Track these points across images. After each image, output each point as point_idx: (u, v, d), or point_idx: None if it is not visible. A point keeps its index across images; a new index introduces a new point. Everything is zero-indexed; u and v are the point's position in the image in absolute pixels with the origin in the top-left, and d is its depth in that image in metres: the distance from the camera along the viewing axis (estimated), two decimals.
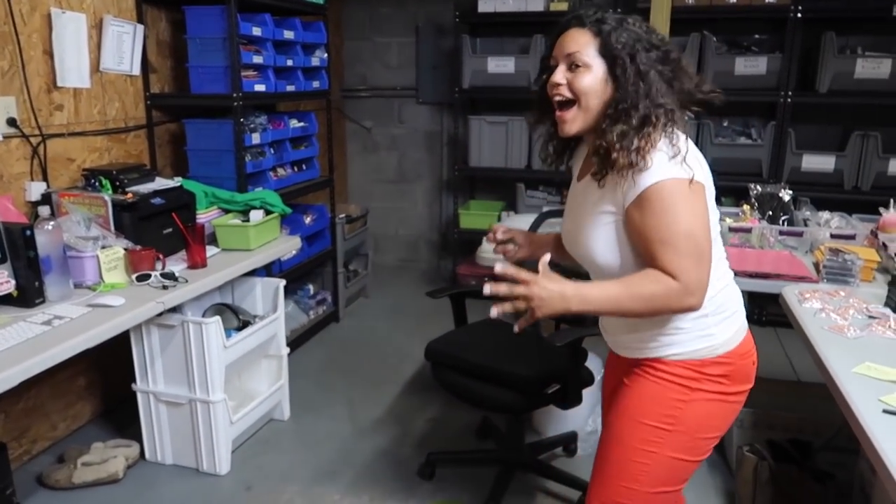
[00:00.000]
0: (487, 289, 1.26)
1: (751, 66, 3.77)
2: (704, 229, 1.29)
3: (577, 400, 2.17)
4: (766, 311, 3.96)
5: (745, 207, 2.85)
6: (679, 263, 1.26)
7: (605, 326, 1.58)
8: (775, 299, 2.21)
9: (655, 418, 1.40)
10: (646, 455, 1.41)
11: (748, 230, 2.67)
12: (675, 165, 1.28)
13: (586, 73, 1.33)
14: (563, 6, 3.99)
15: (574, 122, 1.37)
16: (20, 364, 1.64)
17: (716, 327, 1.40)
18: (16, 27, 2.37)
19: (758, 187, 2.91)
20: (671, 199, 1.27)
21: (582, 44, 1.33)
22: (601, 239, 1.39)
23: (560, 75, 1.35)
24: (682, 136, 1.33)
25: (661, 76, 1.32)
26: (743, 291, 3.59)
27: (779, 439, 2.18)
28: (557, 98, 1.37)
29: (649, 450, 1.41)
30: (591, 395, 2.56)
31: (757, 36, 3.96)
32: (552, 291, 1.26)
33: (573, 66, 1.34)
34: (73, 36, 2.60)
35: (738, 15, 3.84)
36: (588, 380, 2.25)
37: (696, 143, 4.24)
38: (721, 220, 2.76)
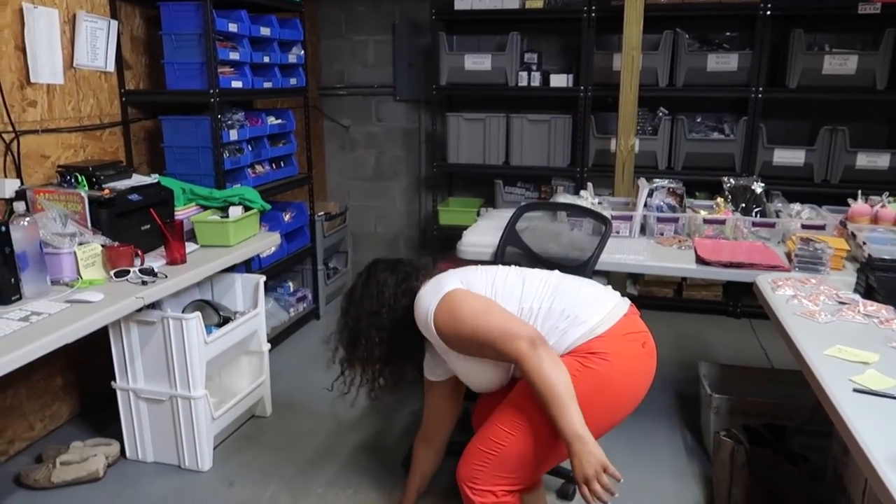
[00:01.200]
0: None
1: (722, 62, 3.84)
2: (484, 312, 1.59)
3: None
4: (740, 303, 4.03)
5: (719, 200, 2.91)
6: (500, 348, 1.55)
7: None
8: (749, 292, 2.26)
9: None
10: (528, 415, 1.64)
11: (722, 222, 2.73)
12: (430, 300, 1.65)
13: None
14: (539, 4, 4.03)
15: None
16: (1, 358, 1.62)
17: (584, 313, 1.64)
18: None
19: (731, 180, 2.97)
20: (449, 321, 1.61)
21: None
22: (474, 372, 1.73)
23: None
24: (426, 282, 1.74)
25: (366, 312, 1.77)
26: (717, 282, 3.72)
27: (754, 424, 2.23)
28: None
29: (529, 415, 1.63)
30: None
31: (728, 33, 4.03)
32: (579, 461, 1.43)
33: None
34: (45, 31, 2.57)
35: (709, 12, 3.91)
36: None
37: (671, 139, 4.27)
38: (695, 211, 2.83)
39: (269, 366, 2.85)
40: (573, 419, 1.45)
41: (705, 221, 2.73)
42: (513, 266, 1.81)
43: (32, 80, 2.54)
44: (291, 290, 3.85)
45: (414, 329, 1.72)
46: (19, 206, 2.24)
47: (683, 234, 2.78)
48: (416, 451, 2.06)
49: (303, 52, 3.69)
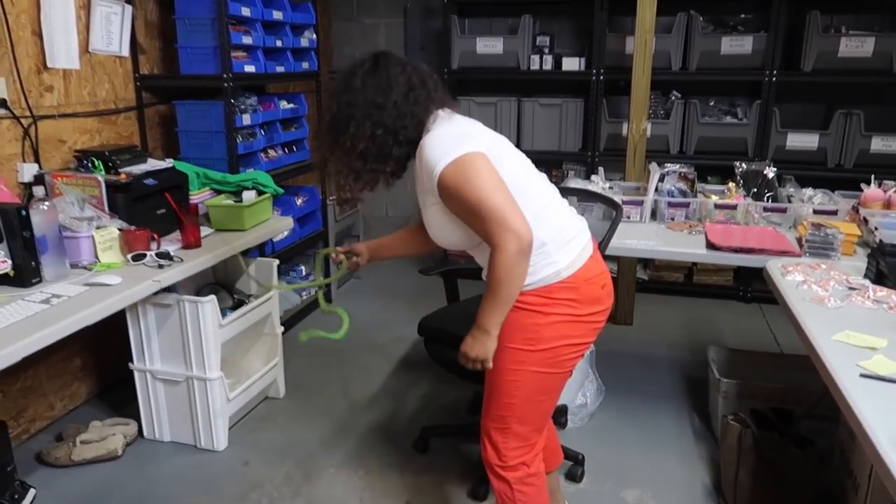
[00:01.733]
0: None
1: (736, 45, 3.81)
2: (495, 189, 1.49)
3: None
4: (751, 288, 4.03)
5: (731, 185, 2.91)
6: (490, 229, 1.48)
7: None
8: (760, 276, 2.26)
9: (518, 342, 1.62)
10: (514, 373, 1.65)
11: (733, 207, 2.73)
12: (450, 150, 1.50)
13: None
14: None
15: None
16: (22, 340, 1.67)
17: (557, 253, 1.60)
18: (3, 7, 2.37)
19: (743, 165, 2.96)
20: (456, 180, 1.49)
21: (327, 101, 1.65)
22: (438, 224, 1.64)
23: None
24: (446, 119, 1.61)
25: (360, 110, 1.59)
26: (727, 267, 3.72)
27: (762, 408, 2.25)
28: None
29: (516, 368, 1.64)
30: (579, 370, 2.63)
31: (743, 15, 4.00)
32: (473, 343, 1.57)
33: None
34: (61, 16, 2.59)
35: None
36: None
37: (683, 123, 4.22)
38: (707, 196, 2.82)
39: (282, 348, 2.90)
40: (496, 318, 1.55)
41: (716, 206, 2.73)
42: (531, 167, 1.71)
43: (49, 65, 2.56)
44: (303, 273, 3.89)
45: (411, 146, 1.60)
46: (38, 191, 2.27)
47: (694, 218, 2.78)
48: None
49: (315, 35, 3.69)
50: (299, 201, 3.66)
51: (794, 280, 2.03)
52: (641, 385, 3.02)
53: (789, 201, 2.80)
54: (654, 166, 2.95)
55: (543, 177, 1.73)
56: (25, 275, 2.03)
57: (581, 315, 1.64)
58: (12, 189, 2.40)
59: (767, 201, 2.80)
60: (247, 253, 2.81)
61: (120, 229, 2.32)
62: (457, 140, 1.53)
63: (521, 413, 1.67)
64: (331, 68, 4.84)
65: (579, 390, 2.68)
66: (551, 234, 1.60)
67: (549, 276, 1.60)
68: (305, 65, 3.64)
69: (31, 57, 2.50)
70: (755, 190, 2.88)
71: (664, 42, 3.81)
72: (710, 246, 2.42)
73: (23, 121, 2.47)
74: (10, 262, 2.01)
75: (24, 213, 2.01)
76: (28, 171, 2.47)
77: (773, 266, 2.18)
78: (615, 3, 3.90)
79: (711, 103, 4.08)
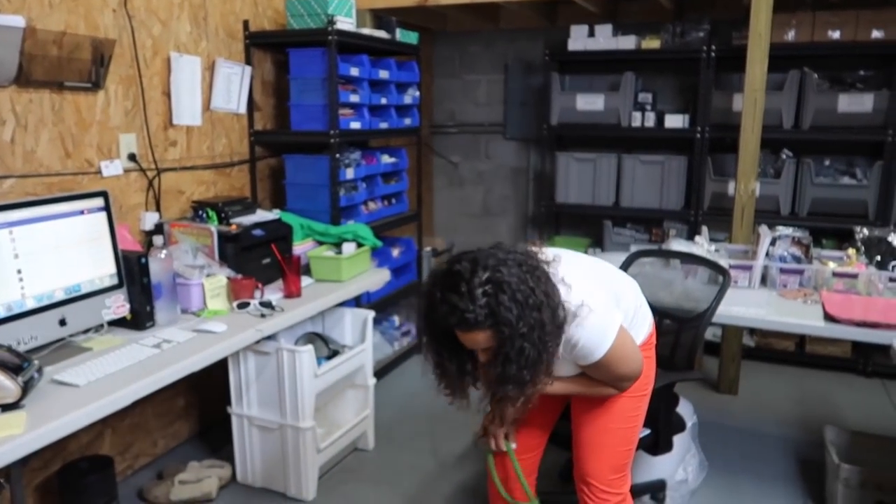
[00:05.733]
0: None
1: (855, 103, 3.61)
2: (632, 360, 1.69)
3: (667, 447, 2.11)
4: (871, 361, 3.72)
5: (851, 251, 2.72)
6: (617, 385, 1.73)
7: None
8: (881, 349, 2.08)
9: (638, 389, 1.79)
10: (634, 419, 1.82)
11: (854, 276, 2.54)
12: (606, 335, 1.60)
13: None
14: (655, 44, 3.96)
15: None
16: (135, 384, 1.76)
17: (646, 316, 1.87)
18: (140, 70, 2.58)
19: (864, 230, 2.77)
20: (610, 358, 1.63)
21: (483, 341, 1.51)
22: (564, 369, 1.73)
23: (483, 357, 1.58)
24: (601, 300, 1.62)
25: (538, 324, 1.49)
26: (847, 341, 3.45)
27: (889, 501, 2.04)
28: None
29: (635, 414, 1.82)
30: (681, 443, 2.48)
31: (862, 72, 3.80)
32: None
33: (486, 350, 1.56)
34: (188, 77, 2.79)
35: (841, 51, 3.70)
36: (679, 426, 2.18)
37: (795, 183, 4.01)
38: (824, 263, 2.65)
39: (373, 399, 2.91)
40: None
41: (835, 275, 2.55)
42: (635, 288, 1.86)
43: (175, 122, 2.76)
44: (397, 324, 3.93)
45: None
46: (158, 240, 2.42)
47: (809, 287, 2.61)
48: None
49: (418, 93, 3.80)
50: (396, 252, 3.72)
51: None
52: (748, 463, 2.81)
53: None
54: (764, 229, 2.81)
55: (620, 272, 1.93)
56: (141, 319, 2.15)
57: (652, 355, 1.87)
58: (135, 236, 2.57)
59: (893, 270, 2.59)
60: (343, 302, 2.87)
61: (228, 278, 2.42)
62: (599, 324, 1.58)
63: (632, 455, 1.84)
64: (431, 122, 4.96)
65: (680, 464, 2.52)
66: (643, 311, 1.83)
67: (643, 333, 1.82)
68: (408, 121, 3.75)
69: (159, 115, 2.70)
70: (878, 258, 2.68)
71: (775, 99, 3.67)
72: (829, 318, 2.26)
73: (148, 173, 2.66)
74: (128, 306, 2.14)
75: (144, 260, 2.15)
76: (150, 219, 2.64)
77: None
78: (722, 59, 3.81)
79: (826, 163, 3.86)
